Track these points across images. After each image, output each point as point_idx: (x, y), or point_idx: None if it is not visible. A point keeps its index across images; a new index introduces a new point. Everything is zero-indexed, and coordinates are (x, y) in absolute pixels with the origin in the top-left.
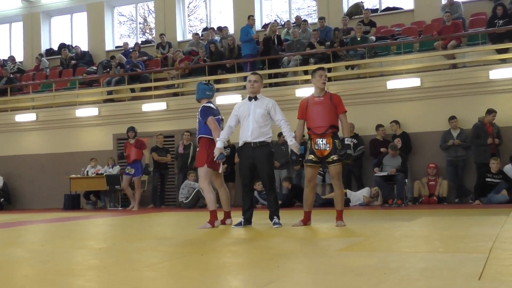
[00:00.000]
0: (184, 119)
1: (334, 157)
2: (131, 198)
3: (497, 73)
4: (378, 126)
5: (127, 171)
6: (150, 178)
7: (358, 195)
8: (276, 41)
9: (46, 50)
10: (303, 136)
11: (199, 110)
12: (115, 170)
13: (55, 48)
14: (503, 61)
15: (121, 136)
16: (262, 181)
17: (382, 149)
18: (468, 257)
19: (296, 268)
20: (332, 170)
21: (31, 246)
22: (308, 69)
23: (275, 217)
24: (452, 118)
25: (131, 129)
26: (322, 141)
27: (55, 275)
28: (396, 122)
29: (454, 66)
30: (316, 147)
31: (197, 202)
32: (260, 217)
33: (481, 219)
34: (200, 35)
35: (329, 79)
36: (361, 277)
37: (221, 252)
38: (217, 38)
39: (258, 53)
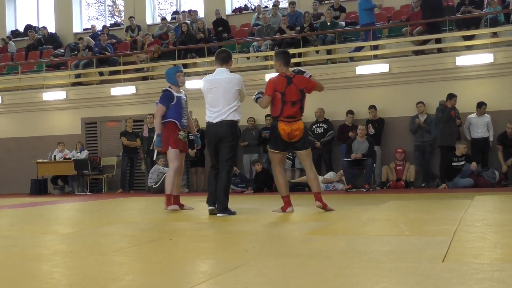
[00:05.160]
0: (153, 104)
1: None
2: None
3: (463, 60)
4: (348, 112)
5: None
6: (119, 162)
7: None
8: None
9: (12, 31)
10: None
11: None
12: (83, 154)
13: (21, 29)
14: (469, 47)
15: (89, 120)
16: (220, 154)
17: (350, 133)
18: (432, 240)
19: (264, 252)
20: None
21: None
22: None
23: (220, 205)
24: (419, 103)
25: None
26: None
27: (22, 260)
28: (374, 107)
29: (422, 52)
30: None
31: None
32: (232, 201)
33: (447, 203)
34: (170, 19)
35: (299, 64)
36: (328, 260)
37: (189, 236)
38: (188, 21)
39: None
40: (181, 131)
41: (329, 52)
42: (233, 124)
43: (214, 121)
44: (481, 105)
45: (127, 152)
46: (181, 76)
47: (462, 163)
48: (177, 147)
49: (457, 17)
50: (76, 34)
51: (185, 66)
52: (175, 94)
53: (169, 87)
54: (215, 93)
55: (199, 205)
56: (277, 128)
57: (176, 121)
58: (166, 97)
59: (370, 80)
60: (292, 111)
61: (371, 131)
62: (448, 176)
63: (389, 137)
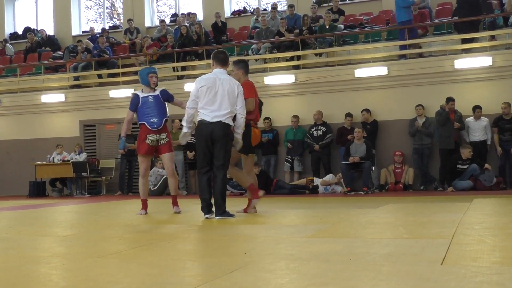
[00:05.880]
0: None
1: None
2: None
3: (462, 63)
4: (347, 115)
5: None
6: (118, 165)
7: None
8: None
9: (10, 34)
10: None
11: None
12: (82, 157)
13: (20, 32)
14: (468, 50)
15: (88, 123)
16: (216, 157)
17: (349, 136)
18: (431, 243)
19: (263, 255)
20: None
21: None
22: (279, 56)
23: (219, 209)
24: (418, 105)
25: None
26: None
27: (20, 262)
28: (367, 110)
29: (421, 55)
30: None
31: (165, 189)
32: (230, 203)
33: (445, 206)
34: (169, 22)
35: (298, 67)
36: (327, 263)
37: (187, 239)
38: (187, 24)
39: (412, 21)
40: (152, 134)
41: (319, 54)
42: (229, 126)
43: (212, 121)
44: (475, 109)
45: (125, 154)
46: (153, 77)
47: (466, 166)
48: (140, 152)
49: (456, 21)
50: (74, 36)
51: (184, 68)
52: (141, 95)
53: (142, 89)
54: (215, 92)
55: (197, 208)
56: (251, 132)
57: (144, 123)
58: (131, 102)
59: (368, 83)
60: (259, 116)
61: (364, 134)
62: (450, 179)
63: (388, 139)
